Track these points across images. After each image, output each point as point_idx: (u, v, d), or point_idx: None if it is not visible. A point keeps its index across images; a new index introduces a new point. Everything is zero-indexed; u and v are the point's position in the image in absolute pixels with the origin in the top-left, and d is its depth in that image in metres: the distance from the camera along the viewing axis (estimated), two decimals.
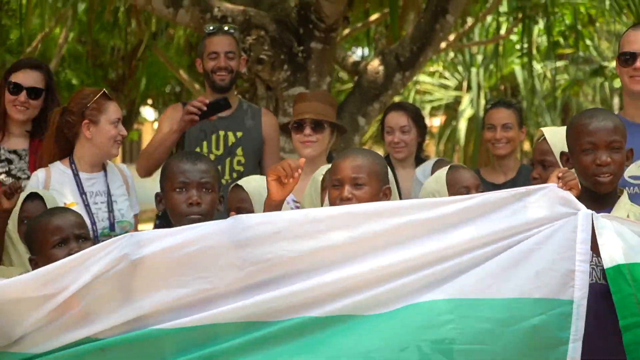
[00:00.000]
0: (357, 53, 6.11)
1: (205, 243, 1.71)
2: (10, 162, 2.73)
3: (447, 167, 2.34)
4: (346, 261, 1.71)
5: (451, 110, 7.83)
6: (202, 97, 2.91)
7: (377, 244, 1.72)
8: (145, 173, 3.01)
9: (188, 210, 1.96)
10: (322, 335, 1.71)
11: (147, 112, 13.61)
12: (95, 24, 6.09)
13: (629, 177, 2.32)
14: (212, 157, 2.76)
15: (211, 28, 3.07)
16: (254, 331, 1.73)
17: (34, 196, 2.30)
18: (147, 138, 22.10)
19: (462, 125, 7.49)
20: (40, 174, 2.46)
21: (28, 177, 2.63)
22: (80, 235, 1.98)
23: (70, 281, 1.72)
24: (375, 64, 3.88)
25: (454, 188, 2.24)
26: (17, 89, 2.64)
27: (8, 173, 2.72)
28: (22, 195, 2.25)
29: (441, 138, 8.24)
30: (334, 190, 1.95)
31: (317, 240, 1.72)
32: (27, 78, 2.67)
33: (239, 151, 2.91)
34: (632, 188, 2.29)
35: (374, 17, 5.31)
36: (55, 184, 2.45)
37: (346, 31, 5.07)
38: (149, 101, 10.80)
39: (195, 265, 1.72)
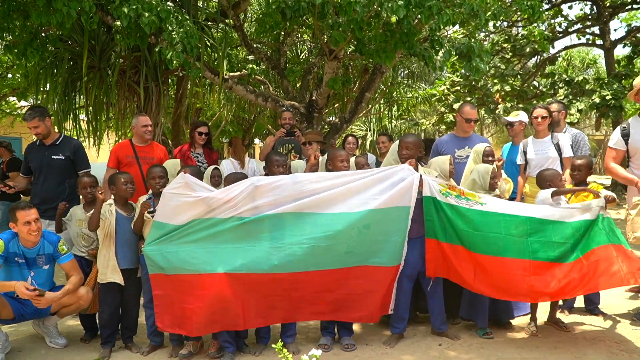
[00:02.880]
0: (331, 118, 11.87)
1: (283, 181, 3.82)
2: (198, 157, 5.45)
3: None
4: (327, 190, 3.84)
5: (363, 138, 20.17)
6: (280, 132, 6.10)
7: (338, 185, 3.86)
8: (262, 158, 5.92)
9: (277, 171, 4.16)
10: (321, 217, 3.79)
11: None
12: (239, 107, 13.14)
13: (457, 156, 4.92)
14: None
15: (283, 108, 6.98)
16: (304, 216, 3.72)
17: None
18: (256, 150, 31.74)
19: (368, 143, 19.60)
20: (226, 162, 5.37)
21: (207, 162, 5.51)
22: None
23: (232, 193, 3.80)
24: (336, 121, 8.30)
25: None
26: (200, 133, 5.61)
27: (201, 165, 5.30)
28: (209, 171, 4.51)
29: None
30: (338, 162, 4.37)
31: (321, 183, 3.84)
32: (202, 129, 5.66)
33: (293, 152, 5.78)
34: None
35: (336, 105, 11.05)
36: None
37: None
38: None
39: (278, 189, 3.79)
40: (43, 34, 7.01)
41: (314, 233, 3.75)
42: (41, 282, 4.21)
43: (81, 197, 4.47)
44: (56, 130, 6.07)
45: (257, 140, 23.34)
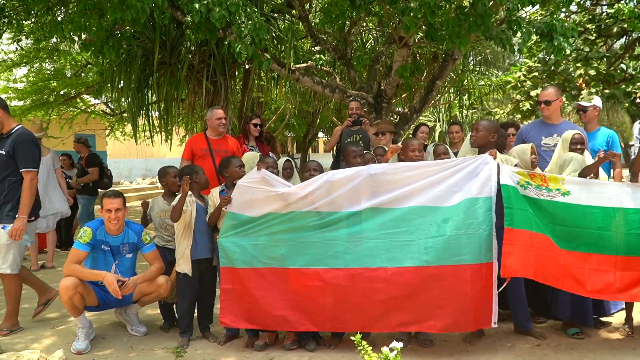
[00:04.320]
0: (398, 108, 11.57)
1: (359, 175, 3.73)
2: (252, 149, 5.43)
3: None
4: (409, 183, 3.68)
5: (432, 129, 18.78)
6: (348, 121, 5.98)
7: (417, 178, 3.69)
8: (329, 148, 6.20)
9: (355, 162, 4.15)
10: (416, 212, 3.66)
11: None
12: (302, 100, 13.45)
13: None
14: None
15: (350, 98, 6.66)
16: (381, 211, 3.62)
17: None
18: (320, 144, 34.29)
19: (437, 134, 19.06)
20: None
21: (261, 155, 5.10)
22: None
23: (308, 188, 3.72)
24: (406, 111, 8.09)
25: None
26: (254, 125, 5.67)
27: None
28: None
29: None
30: (410, 152, 4.26)
31: (398, 175, 3.70)
32: (255, 121, 5.69)
33: (360, 143, 5.43)
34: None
35: (403, 95, 10.80)
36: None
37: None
38: None
39: (354, 182, 3.69)
40: (117, 32, 7.26)
41: (391, 228, 3.67)
42: (124, 270, 4.31)
43: (166, 187, 4.52)
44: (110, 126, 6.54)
45: (321, 134, 23.68)
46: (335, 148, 6.18)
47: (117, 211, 4.14)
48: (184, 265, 4.08)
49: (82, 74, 12.69)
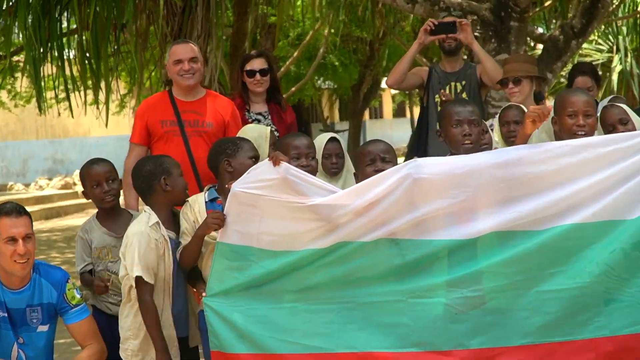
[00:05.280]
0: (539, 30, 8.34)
1: (471, 165, 2.42)
2: (258, 121, 3.71)
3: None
4: (567, 182, 2.40)
5: (605, 67, 10.97)
6: (431, 20, 4.06)
7: (582, 170, 2.41)
8: (394, 82, 4.10)
9: (462, 140, 2.57)
10: (588, 235, 2.40)
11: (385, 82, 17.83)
12: (350, 19, 9.27)
13: None
14: None
15: (442, 15, 4.34)
16: (515, 237, 2.41)
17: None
18: (386, 101, 25.89)
19: (614, 77, 10.82)
20: None
21: (277, 130, 3.62)
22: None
23: (371, 193, 2.43)
24: (556, 34, 5.32)
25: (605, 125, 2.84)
26: (252, 73, 3.71)
27: None
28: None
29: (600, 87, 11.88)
30: (568, 119, 2.65)
31: (548, 165, 2.42)
32: (256, 64, 3.73)
33: (463, 95, 3.94)
34: None
35: (547, 3, 7.48)
36: None
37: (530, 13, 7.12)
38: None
39: (464, 180, 2.41)
40: None
41: (538, 268, 2.43)
42: (33, 356, 2.91)
43: (98, 198, 3.01)
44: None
45: (384, 83, 17.67)
46: (421, 110, 4.27)
47: (26, 241, 2.71)
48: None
49: None
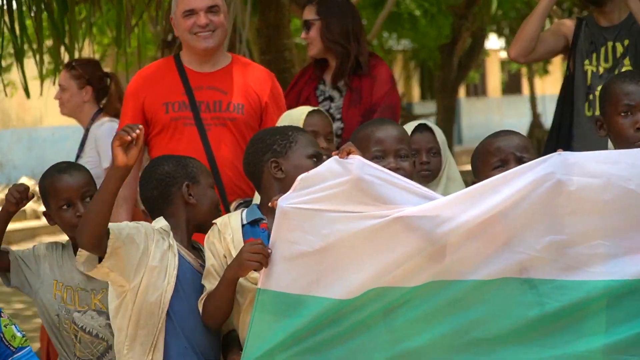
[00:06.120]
0: None
1: None
2: (331, 100, 3.41)
3: None
4: None
5: None
6: None
7: None
8: (521, 52, 3.54)
9: (635, 136, 2.29)
10: None
11: (492, 42, 14.05)
12: None
13: None
14: (601, 70, 3.35)
15: None
16: None
17: None
18: (492, 71, 21.75)
19: None
20: None
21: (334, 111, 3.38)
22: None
23: (492, 201, 1.99)
24: None
25: None
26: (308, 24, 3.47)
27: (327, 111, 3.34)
28: None
29: None
30: None
31: None
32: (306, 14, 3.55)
33: (626, 61, 3.39)
34: None
35: None
36: None
37: None
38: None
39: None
40: None
41: None
42: None
43: (64, 220, 2.77)
44: None
45: (494, 40, 13.75)
46: (565, 82, 3.91)
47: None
48: None
49: None
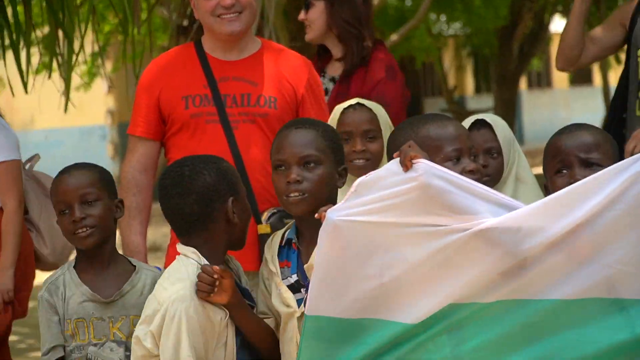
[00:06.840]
0: None
1: None
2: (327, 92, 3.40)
3: None
4: None
5: None
6: None
7: None
8: (567, 63, 3.39)
9: None
10: None
11: (556, 25, 12.96)
12: None
13: None
14: None
15: None
16: None
17: None
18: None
19: None
20: None
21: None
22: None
23: (578, 211, 1.94)
24: None
25: None
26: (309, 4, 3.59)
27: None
28: None
29: None
30: None
31: None
32: None
33: None
34: None
35: None
36: None
37: None
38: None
39: None
40: None
41: None
42: None
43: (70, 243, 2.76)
44: None
45: (560, 22, 12.31)
46: (624, 71, 3.75)
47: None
48: None
49: None
